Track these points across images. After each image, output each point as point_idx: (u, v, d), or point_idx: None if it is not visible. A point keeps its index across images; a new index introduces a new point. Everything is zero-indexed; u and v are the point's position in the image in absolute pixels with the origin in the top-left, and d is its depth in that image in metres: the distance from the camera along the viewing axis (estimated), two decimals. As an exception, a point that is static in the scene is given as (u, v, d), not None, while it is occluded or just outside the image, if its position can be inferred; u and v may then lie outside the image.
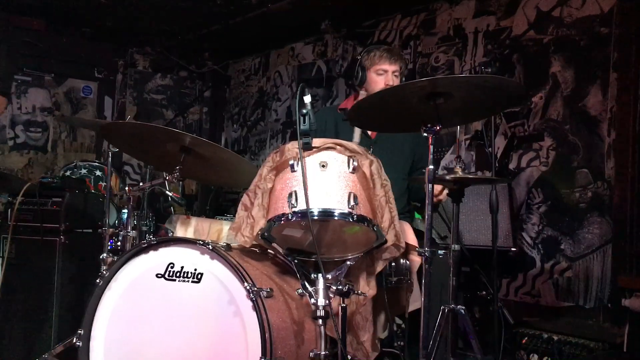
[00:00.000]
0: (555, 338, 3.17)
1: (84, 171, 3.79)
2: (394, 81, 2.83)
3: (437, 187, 2.59)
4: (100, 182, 3.72)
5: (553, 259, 3.60)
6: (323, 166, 2.02)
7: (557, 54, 3.69)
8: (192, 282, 2.05)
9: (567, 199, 3.57)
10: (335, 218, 1.98)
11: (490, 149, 3.25)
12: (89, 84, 5.92)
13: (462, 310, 2.24)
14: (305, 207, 1.93)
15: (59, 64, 5.68)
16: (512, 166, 3.85)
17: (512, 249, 3.43)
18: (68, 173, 3.80)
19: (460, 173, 2.28)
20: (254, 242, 2.13)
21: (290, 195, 1.98)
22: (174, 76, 6.42)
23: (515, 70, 3.91)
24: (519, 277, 3.74)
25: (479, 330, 3.18)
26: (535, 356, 3.19)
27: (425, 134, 2.05)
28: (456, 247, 2.31)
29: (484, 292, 3.27)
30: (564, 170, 3.60)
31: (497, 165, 3.78)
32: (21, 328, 2.97)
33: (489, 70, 2.94)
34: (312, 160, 2.02)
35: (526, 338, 3.26)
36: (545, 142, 3.71)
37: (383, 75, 2.84)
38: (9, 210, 3.02)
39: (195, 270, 2.06)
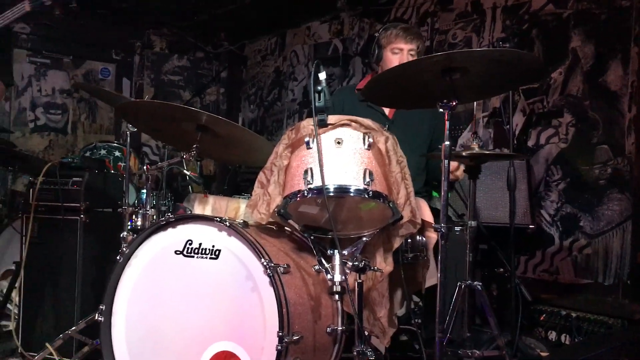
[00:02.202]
0: (574, 315, 3.17)
1: (103, 152, 3.83)
2: (410, 60, 2.81)
3: (454, 164, 2.58)
4: (120, 163, 3.75)
5: (572, 236, 3.58)
6: (338, 143, 2.02)
7: (576, 29, 3.63)
8: (210, 258, 2.08)
9: (586, 175, 3.53)
10: (351, 194, 1.99)
11: (508, 126, 3.22)
12: (107, 66, 5.96)
13: (479, 287, 2.25)
14: (321, 184, 1.94)
15: (77, 46, 5.71)
16: (530, 143, 3.81)
17: (530, 226, 3.41)
18: (88, 154, 3.84)
19: (477, 149, 2.27)
20: (271, 219, 2.15)
21: (306, 172, 1.99)
22: (191, 57, 6.43)
23: (534, 45, 3.85)
24: (537, 254, 3.73)
25: (496, 307, 3.18)
26: (554, 333, 3.19)
27: (441, 110, 2.04)
28: (473, 223, 2.31)
29: (502, 270, 3.26)
30: (583, 146, 3.56)
31: (515, 142, 3.74)
32: (45, 305, 3.03)
33: (507, 45, 2.90)
34: (328, 137, 2.03)
35: (544, 315, 3.26)
36: (564, 119, 3.66)
37: (398, 54, 2.82)
38: (31, 190, 3.07)
39: (213, 246, 2.09)
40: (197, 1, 5.39)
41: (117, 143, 3.95)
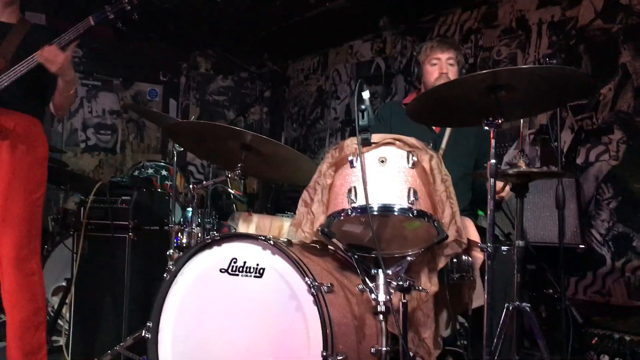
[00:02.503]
0: (628, 338, 3.04)
1: (150, 171, 3.93)
2: (449, 69, 2.79)
3: (500, 184, 2.54)
4: (166, 181, 3.84)
5: (624, 257, 3.45)
6: (382, 161, 2.01)
7: (626, 44, 3.54)
8: (255, 276, 2.09)
9: (639, 194, 3.41)
10: (395, 213, 1.97)
11: (556, 143, 3.15)
12: (154, 87, 6.12)
13: (528, 308, 2.18)
14: (364, 203, 1.93)
15: (127, 68, 5.91)
16: (579, 161, 3.71)
17: (581, 246, 3.31)
18: (136, 173, 3.94)
19: (524, 167, 2.22)
20: (314, 238, 2.15)
21: (349, 190, 1.99)
22: (235, 77, 6.55)
23: (581, 61, 3.77)
24: (588, 275, 3.61)
25: (545, 330, 3.09)
26: (606, 357, 3.07)
27: (486, 128, 2.02)
28: (520, 243, 2.25)
29: (551, 291, 3.17)
30: (635, 164, 3.45)
31: (563, 159, 3.66)
32: (94, 321, 3.10)
33: (554, 61, 2.85)
34: (371, 156, 2.02)
35: (596, 338, 3.14)
36: (615, 135, 3.56)
37: (437, 65, 2.81)
38: (82, 208, 3.16)
39: (258, 265, 2.10)
40: (241, 23, 5.50)
41: (164, 162, 4.04)
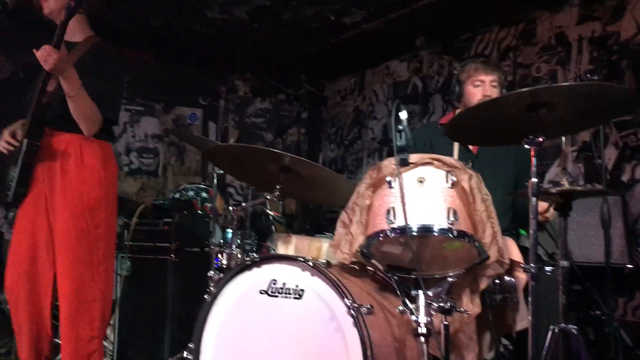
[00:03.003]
0: (681, 363, 2.92)
1: (191, 193, 3.99)
2: (492, 91, 2.77)
3: (543, 205, 2.49)
4: (206, 203, 3.89)
5: (676, 277, 3.33)
6: (421, 182, 2.00)
7: (671, 57, 3.46)
8: (294, 298, 2.10)
9: (688, 211, 3.30)
10: (435, 234, 1.95)
11: (599, 161, 3.08)
12: (194, 111, 6.25)
13: (574, 330, 2.13)
14: (403, 223, 1.92)
15: (167, 93, 6.05)
16: (625, 178, 3.61)
17: (628, 265, 3.20)
18: (177, 195, 4.01)
19: (567, 185, 2.18)
20: (354, 259, 2.14)
21: (388, 211, 1.98)
22: (273, 99, 6.63)
23: (624, 76, 3.69)
24: (637, 295, 3.49)
25: (593, 353, 2.99)
26: (659, 382, 2.95)
27: (527, 146, 1.99)
28: (565, 263, 2.20)
29: (598, 312, 3.07)
30: (684, 180, 3.34)
31: (608, 177, 3.56)
32: (137, 342, 3.15)
33: (595, 77, 2.80)
34: (410, 176, 2.01)
35: (647, 362, 3.02)
36: (661, 151, 3.46)
37: (480, 87, 2.79)
38: (125, 231, 3.23)
39: (297, 286, 2.10)
40: (278, 46, 5.59)
41: (204, 184, 4.10)
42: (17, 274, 2.47)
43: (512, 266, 2.24)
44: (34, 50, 2.34)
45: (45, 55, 2.31)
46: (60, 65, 2.33)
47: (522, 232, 2.93)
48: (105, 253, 2.48)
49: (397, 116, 1.96)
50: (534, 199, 1.95)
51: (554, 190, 2.20)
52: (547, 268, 2.40)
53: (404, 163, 1.97)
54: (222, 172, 2.96)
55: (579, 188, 2.27)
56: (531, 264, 1.93)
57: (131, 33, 5.08)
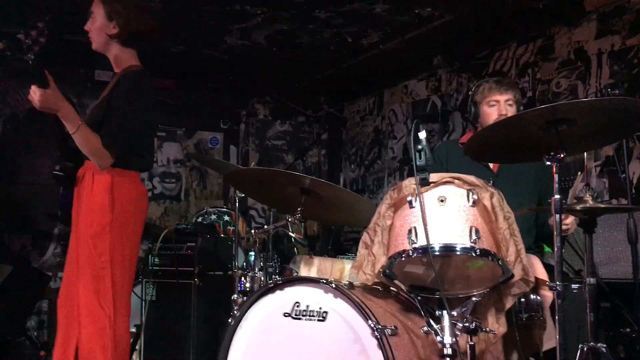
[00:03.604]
0: None
1: (213, 217, 4.02)
2: (508, 110, 2.76)
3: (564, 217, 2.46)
4: (229, 227, 3.92)
5: None
6: (442, 201, 2.00)
7: (694, 69, 3.41)
8: (318, 320, 2.09)
9: None
10: (457, 253, 1.94)
11: (624, 175, 3.04)
12: (215, 135, 6.32)
13: (604, 349, 2.08)
14: (425, 243, 1.92)
15: (189, 118, 6.14)
16: (651, 192, 3.56)
17: (658, 281, 3.13)
18: (200, 219, 4.05)
19: (591, 202, 2.15)
20: (376, 280, 2.14)
21: (409, 231, 1.98)
22: (293, 122, 6.68)
23: (646, 89, 3.65)
24: (669, 312, 3.40)
25: (625, 372, 2.92)
26: (694, 401, 2.86)
27: (548, 163, 1.98)
28: (592, 280, 2.16)
29: (628, 330, 3.00)
30: None
31: (633, 191, 3.51)
32: (162, 366, 3.16)
33: (616, 92, 2.77)
34: (430, 196, 2.01)
35: (682, 380, 2.94)
36: (688, 164, 3.40)
37: (495, 106, 2.78)
38: (149, 256, 3.27)
39: (320, 308, 2.10)
40: (298, 69, 5.65)
41: (226, 208, 4.14)
42: (60, 295, 2.53)
43: (537, 284, 2.21)
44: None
45: (31, 95, 2.35)
46: (49, 104, 2.34)
47: (547, 249, 2.89)
48: (113, 280, 2.43)
49: (416, 136, 1.97)
50: (557, 216, 1.93)
51: (578, 207, 2.17)
52: (574, 285, 2.37)
53: (425, 182, 1.97)
54: (243, 195, 2.98)
55: (602, 205, 2.25)
56: (557, 282, 1.91)
57: (153, 60, 5.18)
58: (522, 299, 2.22)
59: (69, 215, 2.54)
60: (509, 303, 2.12)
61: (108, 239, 2.44)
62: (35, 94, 2.33)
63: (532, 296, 2.24)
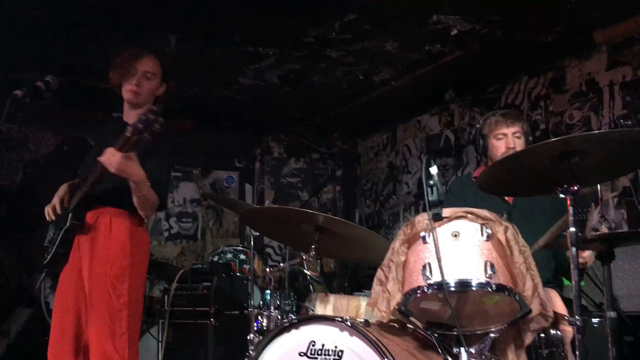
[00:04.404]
0: None
1: (229, 256, 4.03)
2: (516, 143, 2.77)
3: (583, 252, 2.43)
4: (245, 265, 3.92)
5: None
6: (455, 236, 1.99)
7: None
8: (334, 359, 2.07)
9: None
10: (473, 288, 1.92)
11: (642, 205, 3.00)
12: (231, 174, 6.38)
13: (628, 385, 2.03)
14: (440, 279, 1.90)
15: (204, 158, 6.21)
16: (670, 222, 3.50)
17: (682, 314, 3.06)
18: (216, 258, 4.06)
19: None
20: (392, 317, 2.12)
21: (424, 267, 1.96)
22: (307, 159, 6.73)
23: (660, 119, 3.63)
24: (695, 346, 3.31)
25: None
26: None
27: (562, 196, 1.97)
28: (612, 314, 2.12)
29: (654, 365, 2.92)
30: None
31: (652, 221, 3.46)
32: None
33: (629, 122, 2.76)
34: (444, 231, 2.00)
35: None
36: None
37: (503, 139, 2.79)
38: (166, 296, 3.27)
39: (336, 347, 2.08)
40: (311, 106, 5.72)
41: (241, 246, 4.15)
42: (61, 349, 2.47)
43: (556, 319, 2.17)
44: (98, 159, 2.35)
45: (109, 158, 2.31)
46: (123, 167, 2.32)
47: (567, 282, 2.85)
48: (129, 322, 2.44)
49: (428, 171, 1.97)
50: (573, 249, 1.91)
51: (588, 237, 2.15)
52: (595, 320, 2.32)
53: (437, 218, 1.97)
54: (258, 233, 2.99)
55: (618, 232, 2.22)
56: (576, 316, 1.87)
57: (169, 103, 5.28)
58: (542, 335, 2.18)
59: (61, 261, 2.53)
60: (528, 339, 2.08)
61: (128, 281, 2.46)
62: (113, 156, 2.31)
63: (552, 331, 2.19)
